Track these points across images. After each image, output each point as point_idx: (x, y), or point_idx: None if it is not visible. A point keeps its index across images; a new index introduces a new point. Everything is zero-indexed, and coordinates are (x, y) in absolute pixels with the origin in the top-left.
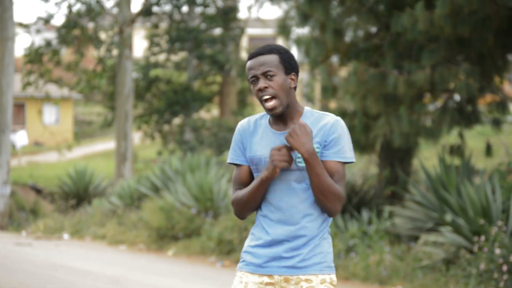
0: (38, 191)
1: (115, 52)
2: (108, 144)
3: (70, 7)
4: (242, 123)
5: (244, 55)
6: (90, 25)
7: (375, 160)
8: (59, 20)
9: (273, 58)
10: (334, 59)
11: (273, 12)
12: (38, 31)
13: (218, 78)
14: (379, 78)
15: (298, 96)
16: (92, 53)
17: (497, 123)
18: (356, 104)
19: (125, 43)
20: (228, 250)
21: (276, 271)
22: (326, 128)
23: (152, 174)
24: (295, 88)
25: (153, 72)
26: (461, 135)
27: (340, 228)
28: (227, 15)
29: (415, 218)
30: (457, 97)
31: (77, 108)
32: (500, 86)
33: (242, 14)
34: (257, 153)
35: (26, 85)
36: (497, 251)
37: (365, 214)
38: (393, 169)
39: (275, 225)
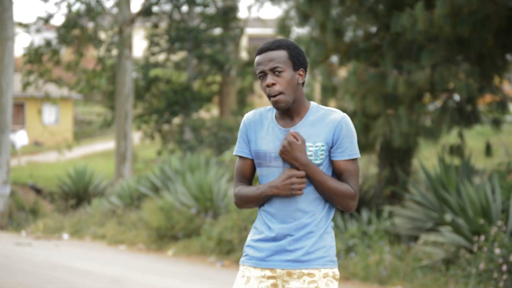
0: (37, 191)
1: (114, 52)
2: (108, 144)
3: (69, 6)
4: (248, 115)
5: (244, 55)
6: (90, 25)
7: (375, 160)
8: (58, 20)
9: (281, 54)
10: (334, 59)
11: (273, 12)
12: (38, 31)
13: (218, 78)
14: (379, 78)
15: None
16: (92, 53)
17: (496, 123)
18: (355, 104)
19: (124, 43)
20: (228, 250)
21: (279, 265)
22: (332, 127)
23: (152, 174)
24: (303, 83)
25: (153, 72)
26: (460, 135)
27: (340, 228)
28: (227, 15)
29: (415, 218)
30: (456, 97)
31: (76, 108)
32: (499, 86)
33: (242, 14)
34: (262, 147)
35: (26, 85)
36: (497, 251)
37: (365, 214)
38: (393, 169)
39: (277, 220)
